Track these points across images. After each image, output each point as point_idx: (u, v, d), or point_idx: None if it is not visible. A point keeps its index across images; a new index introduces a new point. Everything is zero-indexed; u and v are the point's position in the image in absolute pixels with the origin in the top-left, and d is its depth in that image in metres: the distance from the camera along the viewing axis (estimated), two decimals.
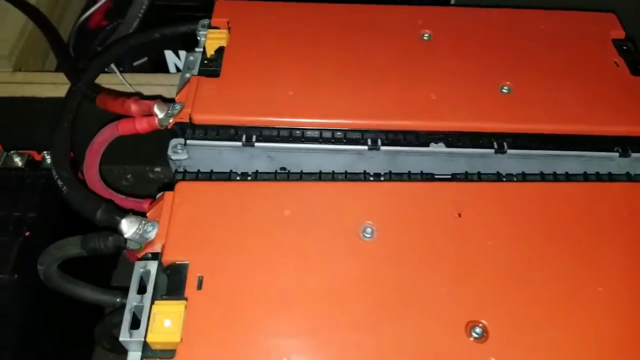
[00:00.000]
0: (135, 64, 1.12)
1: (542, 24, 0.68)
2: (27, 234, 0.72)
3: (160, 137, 0.79)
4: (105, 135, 0.65)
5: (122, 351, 0.81)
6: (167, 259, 0.47)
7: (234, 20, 0.68)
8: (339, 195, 0.51)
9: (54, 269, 0.58)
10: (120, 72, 0.91)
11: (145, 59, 1.12)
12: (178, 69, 1.08)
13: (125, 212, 0.53)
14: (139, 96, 0.66)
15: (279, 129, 0.58)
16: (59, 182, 0.56)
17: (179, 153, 0.59)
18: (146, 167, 1.15)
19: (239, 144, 0.58)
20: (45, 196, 0.75)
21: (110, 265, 0.98)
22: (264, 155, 0.59)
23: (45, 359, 0.75)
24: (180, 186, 0.52)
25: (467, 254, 0.48)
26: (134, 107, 0.63)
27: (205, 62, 0.64)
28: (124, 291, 0.64)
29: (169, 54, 1.05)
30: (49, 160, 0.80)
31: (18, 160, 0.80)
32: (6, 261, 0.69)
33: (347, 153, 0.58)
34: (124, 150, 0.82)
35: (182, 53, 1.05)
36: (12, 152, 0.80)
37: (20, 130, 0.99)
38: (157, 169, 1.15)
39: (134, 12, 0.98)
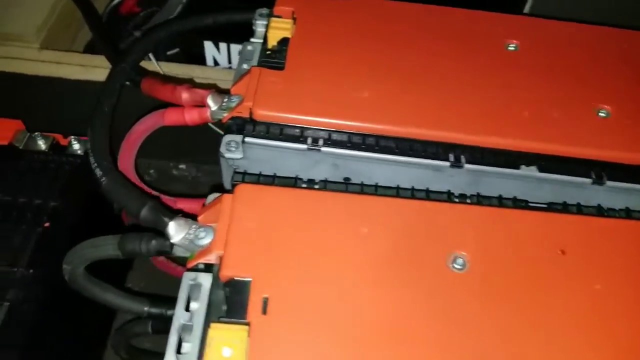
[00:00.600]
0: (169, 53, 1.05)
1: None
2: (47, 225, 0.65)
3: (187, 133, 0.72)
4: (148, 124, 0.58)
5: None
6: (226, 273, 0.40)
7: (300, 11, 0.61)
8: (425, 217, 0.45)
9: (82, 269, 0.51)
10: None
11: (177, 49, 1.06)
12: (216, 62, 1.01)
13: (174, 213, 0.46)
14: (190, 84, 0.59)
15: (350, 134, 0.52)
16: (98, 172, 0.49)
17: (232, 151, 0.52)
18: (170, 163, 1.09)
19: (304, 146, 0.51)
20: (69, 185, 0.69)
21: (126, 265, 0.91)
22: (329, 162, 0.53)
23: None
24: (242, 189, 0.45)
25: (573, 298, 0.41)
26: (185, 96, 0.56)
27: (268, 52, 0.58)
28: (151, 299, 0.57)
29: (208, 45, 0.98)
30: (75, 147, 0.74)
31: (42, 143, 0.73)
32: (22, 254, 0.63)
33: (424, 168, 0.52)
34: (149, 144, 0.76)
35: (223, 45, 0.98)
36: (35, 133, 0.74)
37: (44, 111, 0.93)
38: (182, 166, 1.10)
39: None
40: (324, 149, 0.51)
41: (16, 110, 0.79)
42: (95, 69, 0.93)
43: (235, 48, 0.99)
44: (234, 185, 0.48)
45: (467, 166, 0.51)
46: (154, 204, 0.46)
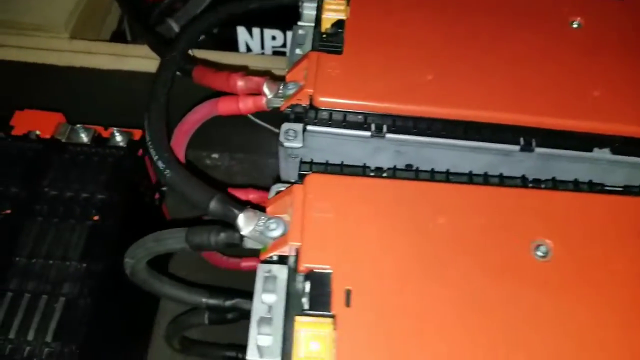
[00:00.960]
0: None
1: None
2: (96, 218, 0.65)
3: (219, 122, 0.71)
4: (201, 114, 0.57)
5: (192, 353, 0.74)
6: (306, 265, 0.39)
7: None
8: (503, 204, 0.43)
9: (144, 264, 0.50)
10: None
11: (203, 35, 1.04)
12: (248, 48, 0.99)
13: (242, 204, 0.45)
14: (244, 71, 0.57)
15: (416, 120, 0.50)
16: (160, 164, 0.48)
17: (291, 140, 0.51)
18: (203, 153, 1.08)
19: (367, 133, 0.50)
20: (114, 177, 0.68)
21: (168, 254, 0.90)
22: (392, 149, 0.51)
23: (108, 353, 0.67)
24: (312, 179, 0.44)
25: None
26: (240, 83, 0.55)
27: (323, 36, 0.56)
28: (209, 290, 0.57)
29: (241, 31, 0.97)
30: (117, 138, 0.73)
31: (84, 136, 0.72)
32: (74, 248, 0.62)
33: (493, 153, 0.50)
34: None
35: (256, 30, 0.97)
36: (77, 125, 0.73)
37: (78, 103, 0.92)
38: (215, 155, 1.08)
39: None
40: (388, 135, 0.50)
41: (48, 102, 0.78)
42: (128, 58, 0.91)
43: (269, 33, 0.97)
44: (301, 175, 0.46)
45: (538, 150, 0.49)
46: (222, 195, 0.45)
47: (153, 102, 0.52)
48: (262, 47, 0.99)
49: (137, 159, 0.73)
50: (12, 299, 0.58)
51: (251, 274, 0.78)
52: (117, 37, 1.09)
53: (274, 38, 0.98)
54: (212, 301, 0.56)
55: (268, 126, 0.89)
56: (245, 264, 0.81)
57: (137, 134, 0.74)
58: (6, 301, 0.58)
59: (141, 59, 0.90)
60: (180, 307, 0.64)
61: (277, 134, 0.98)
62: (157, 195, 0.83)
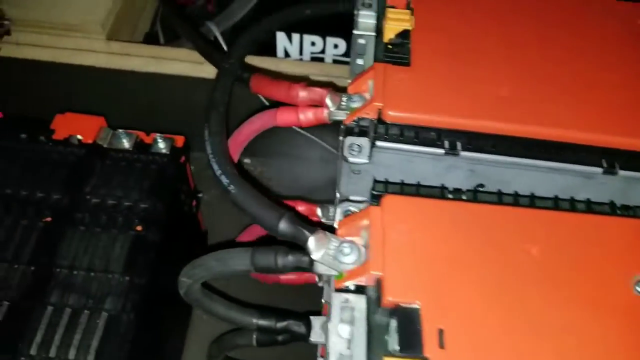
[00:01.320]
0: None
1: None
2: (139, 228, 0.62)
3: None
4: (258, 124, 0.54)
5: None
6: (392, 299, 0.36)
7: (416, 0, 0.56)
8: (596, 233, 0.40)
9: (199, 284, 0.47)
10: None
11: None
12: (287, 54, 0.97)
13: (312, 225, 0.42)
14: (305, 82, 0.54)
15: (493, 138, 0.47)
16: (224, 179, 0.45)
17: (355, 154, 0.48)
18: None
19: (441, 151, 0.47)
20: (157, 185, 0.66)
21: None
22: (465, 168, 0.48)
23: None
24: (390, 201, 0.41)
25: None
26: (302, 94, 0.52)
27: (389, 47, 0.53)
28: (259, 311, 0.54)
29: (280, 36, 0.94)
30: (160, 145, 0.70)
31: (126, 141, 0.70)
32: (117, 260, 0.60)
33: (573, 175, 0.47)
34: None
35: (295, 36, 0.94)
36: (119, 131, 0.70)
37: (114, 105, 0.89)
38: (247, 160, 1.06)
39: None
40: (463, 153, 0.47)
41: (84, 105, 0.76)
42: (164, 61, 0.89)
43: (308, 39, 0.95)
44: (374, 195, 0.43)
45: (622, 172, 0.46)
46: (291, 215, 0.42)
47: (213, 112, 0.49)
48: (301, 52, 0.96)
49: (179, 166, 0.70)
50: (52, 314, 0.56)
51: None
52: (150, 38, 1.07)
53: (313, 44, 0.95)
54: (263, 322, 0.53)
55: (307, 134, 0.87)
56: (285, 277, 0.78)
57: (179, 140, 0.71)
58: (47, 316, 0.56)
59: (178, 62, 0.88)
60: (213, 318, 0.61)
61: (313, 140, 0.95)
62: (194, 203, 0.81)
